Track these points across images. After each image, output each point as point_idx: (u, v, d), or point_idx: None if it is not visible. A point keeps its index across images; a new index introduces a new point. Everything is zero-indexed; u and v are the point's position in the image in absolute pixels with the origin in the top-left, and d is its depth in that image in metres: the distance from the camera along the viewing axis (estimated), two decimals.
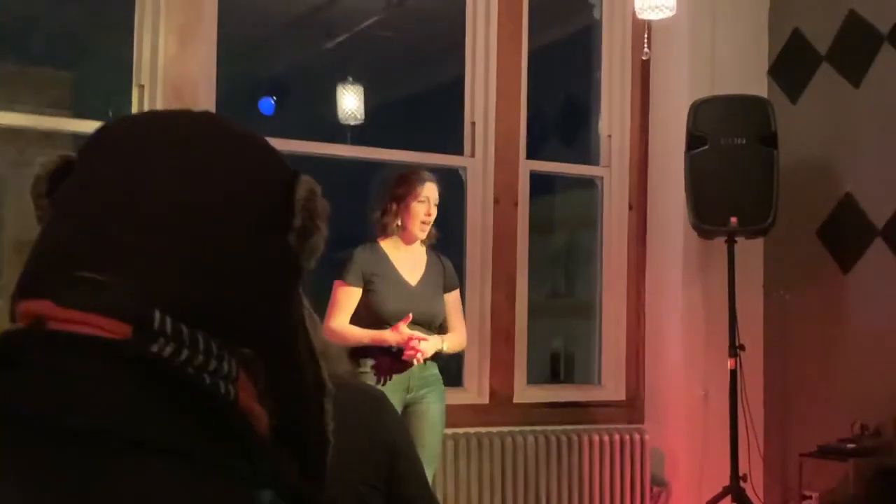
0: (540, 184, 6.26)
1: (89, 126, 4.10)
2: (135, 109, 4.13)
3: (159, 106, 4.10)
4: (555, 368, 7.15)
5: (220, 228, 0.72)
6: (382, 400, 1.69)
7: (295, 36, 6.37)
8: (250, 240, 0.73)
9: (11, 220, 5.36)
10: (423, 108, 6.80)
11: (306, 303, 0.83)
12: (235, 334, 0.71)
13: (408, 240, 3.81)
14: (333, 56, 6.32)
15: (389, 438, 1.63)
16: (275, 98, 6.84)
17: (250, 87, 6.76)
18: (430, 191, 3.78)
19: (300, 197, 0.75)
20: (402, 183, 3.80)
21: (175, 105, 4.03)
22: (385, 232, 3.80)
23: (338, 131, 6.23)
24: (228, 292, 0.71)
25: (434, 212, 3.79)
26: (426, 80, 6.85)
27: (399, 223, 3.78)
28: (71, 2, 5.09)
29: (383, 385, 3.60)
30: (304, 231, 0.75)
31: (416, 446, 1.77)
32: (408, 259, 3.82)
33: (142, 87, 4.13)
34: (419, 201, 3.75)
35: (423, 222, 3.76)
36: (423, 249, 3.88)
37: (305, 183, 0.76)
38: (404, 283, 3.77)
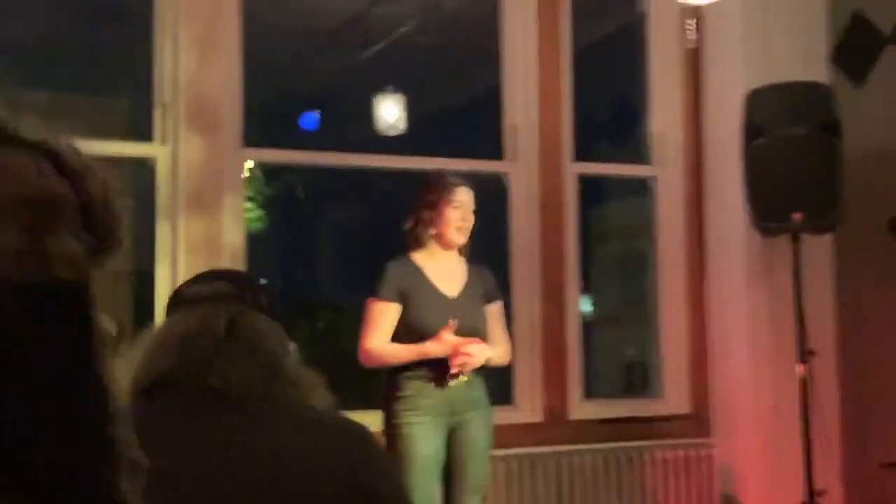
0: (600, 192, 6.01)
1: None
2: (157, 128, 3.97)
3: (182, 124, 3.94)
4: (630, 379, 6.88)
5: None
6: (364, 436, 1.45)
7: (331, 48, 6.20)
8: None
9: None
10: (466, 116, 6.58)
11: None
12: None
13: (445, 246, 3.54)
14: (371, 66, 6.13)
15: (370, 482, 1.40)
16: (318, 112, 6.68)
17: (290, 103, 6.62)
18: (463, 195, 3.53)
19: None
20: (433, 189, 3.55)
21: (197, 122, 3.87)
22: (419, 243, 3.55)
23: (380, 143, 6.04)
24: None
25: (471, 217, 3.54)
26: (470, 88, 6.63)
27: (433, 232, 3.53)
28: (94, 24, 4.97)
29: (444, 389, 3.35)
30: None
31: (406, 488, 1.53)
32: (445, 270, 3.56)
33: (164, 104, 3.97)
34: (454, 207, 3.51)
35: (460, 228, 3.52)
36: (461, 260, 3.62)
37: None
38: (443, 296, 3.51)
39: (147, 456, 1.35)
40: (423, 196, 3.54)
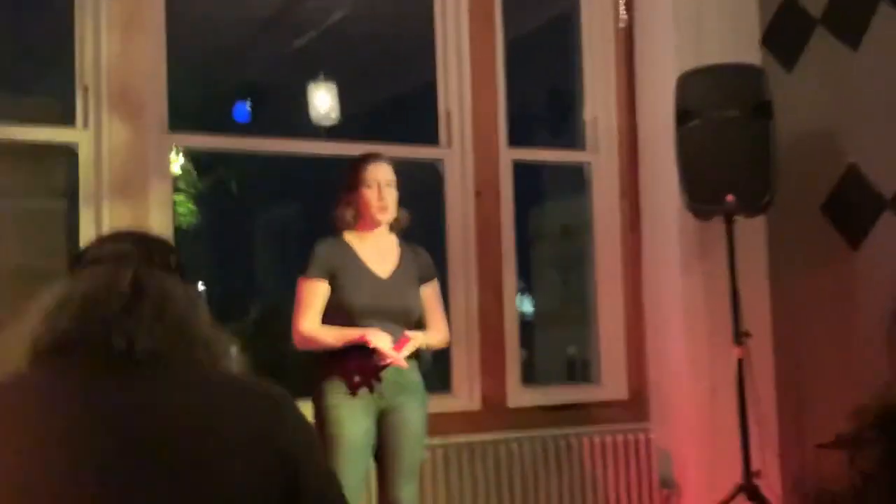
0: (538, 193, 5.99)
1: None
2: (79, 113, 3.85)
3: (104, 108, 3.82)
4: (571, 376, 6.89)
5: None
6: (281, 399, 1.38)
7: (263, 38, 6.10)
8: None
9: None
10: (400, 107, 6.52)
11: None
12: None
13: (367, 227, 3.47)
14: (304, 56, 6.05)
15: (288, 445, 1.33)
16: (250, 103, 6.57)
17: (221, 95, 6.50)
18: (376, 172, 3.43)
19: None
20: (351, 171, 3.48)
21: (121, 106, 3.76)
22: (347, 224, 3.48)
23: (315, 134, 5.95)
24: None
25: (388, 194, 3.44)
26: (403, 79, 6.57)
27: (354, 213, 3.46)
28: (14, 9, 4.81)
29: (353, 395, 3.28)
30: None
31: (322, 453, 1.46)
32: (376, 250, 3.48)
33: (86, 88, 3.85)
34: (367, 186, 3.43)
35: (378, 207, 3.43)
36: (394, 240, 3.55)
37: None
38: (373, 275, 3.44)
39: (47, 420, 1.28)
40: (345, 178, 3.48)
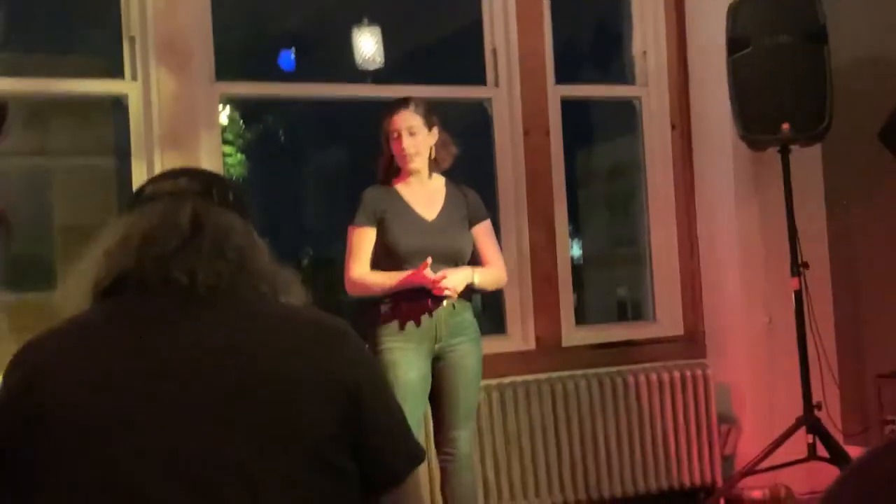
0: (588, 134, 5.91)
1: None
2: (127, 64, 3.86)
3: (151, 59, 3.82)
4: (623, 318, 6.86)
5: None
6: (344, 332, 1.38)
7: None
8: None
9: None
10: (445, 49, 6.45)
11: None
12: None
13: (405, 177, 3.46)
14: (346, 0, 5.99)
15: (350, 378, 1.32)
16: (294, 51, 6.54)
17: (264, 44, 6.47)
18: (396, 122, 3.39)
19: None
20: (382, 121, 3.46)
21: (167, 57, 3.76)
22: (387, 176, 3.47)
23: (359, 79, 5.91)
24: None
25: (408, 143, 3.38)
26: (448, 20, 6.49)
27: (389, 164, 3.45)
28: None
29: (417, 325, 3.29)
30: None
31: (388, 386, 1.45)
32: (423, 194, 3.47)
33: (132, 39, 3.85)
34: (393, 139, 3.40)
35: (404, 157, 3.40)
36: (441, 181, 3.53)
37: None
38: (420, 219, 3.42)
39: (109, 357, 1.29)
40: (381, 129, 3.46)
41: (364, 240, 3.38)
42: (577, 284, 4.75)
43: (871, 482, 0.70)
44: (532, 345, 4.39)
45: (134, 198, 1.44)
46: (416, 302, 3.31)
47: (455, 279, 3.31)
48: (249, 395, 1.26)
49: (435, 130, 3.45)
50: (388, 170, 3.47)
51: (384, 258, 3.38)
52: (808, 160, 4.37)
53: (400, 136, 3.39)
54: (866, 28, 4.40)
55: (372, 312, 3.35)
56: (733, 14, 4.11)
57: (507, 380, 4.20)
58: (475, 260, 3.50)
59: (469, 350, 3.42)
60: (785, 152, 4.09)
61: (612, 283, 6.81)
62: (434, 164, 3.49)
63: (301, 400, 1.28)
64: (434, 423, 3.47)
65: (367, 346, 3.33)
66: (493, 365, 4.05)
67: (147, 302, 1.33)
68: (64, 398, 1.24)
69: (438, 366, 3.38)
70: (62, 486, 1.21)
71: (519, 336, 4.39)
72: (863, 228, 4.45)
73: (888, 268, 4.35)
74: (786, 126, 4.00)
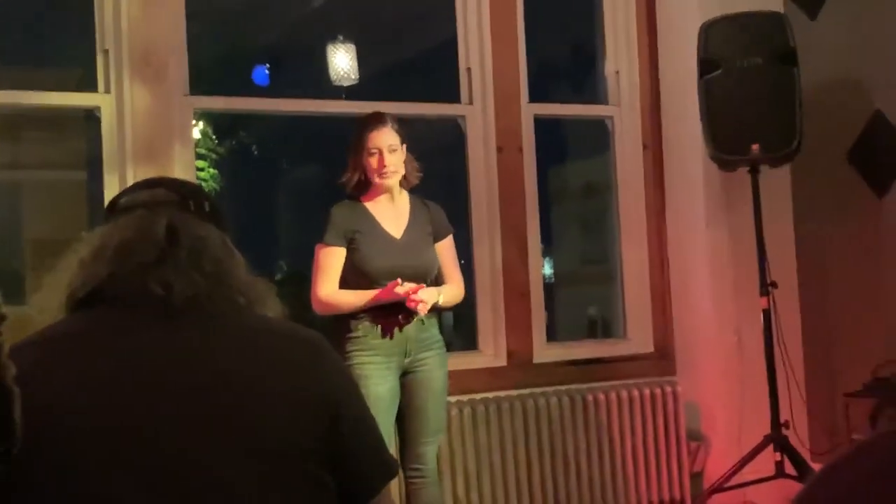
0: (560, 153, 5.94)
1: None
2: (101, 77, 3.85)
3: (125, 71, 3.82)
4: (593, 337, 6.88)
5: None
6: (320, 345, 1.38)
7: (280, 0, 6.07)
8: None
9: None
10: (420, 67, 6.48)
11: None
12: None
13: (375, 192, 3.46)
14: (321, 17, 6.02)
15: (327, 391, 1.33)
16: (268, 66, 6.56)
17: (240, 58, 6.48)
18: (377, 139, 3.37)
19: None
20: (354, 135, 3.43)
21: (142, 70, 3.75)
22: (356, 190, 3.45)
23: (333, 96, 5.94)
24: None
25: (390, 160, 3.37)
26: (422, 38, 6.53)
27: (360, 178, 3.42)
28: None
29: (391, 338, 3.30)
30: None
31: (364, 400, 1.46)
32: (391, 210, 3.47)
33: (106, 52, 3.85)
34: (370, 154, 3.38)
35: (380, 173, 3.39)
36: (406, 197, 3.53)
37: None
38: (389, 237, 3.43)
39: (85, 367, 1.29)
40: (351, 143, 3.44)
41: (334, 259, 3.37)
42: (549, 303, 4.76)
43: (837, 488, 0.72)
44: (504, 361, 4.41)
45: (109, 208, 1.43)
46: (388, 317, 3.32)
47: (426, 294, 3.32)
48: (226, 408, 1.26)
49: (404, 147, 3.47)
50: (357, 185, 3.45)
51: (353, 276, 3.38)
52: (777, 181, 4.42)
53: (381, 153, 3.38)
54: (836, 50, 4.47)
55: (343, 328, 3.35)
56: (705, 35, 4.17)
57: (478, 396, 4.20)
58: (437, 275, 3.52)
59: (437, 364, 3.43)
60: (755, 172, 4.13)
61: (583, 302, 6.84)
62: (404, 181, 3.50)
63: (278, 414, 1.28)
64: (400, 439, 3.46)
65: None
66: (464, 381, 4.07)
67: (122, 314, 1.33)
68: (38, 410, 1.24)
69: (406, 380, 3.39)
70: (36, 497, 1.20)
71: (491, 352, 4.41)
72: (831, 248, 4.51)
73: (856, 287, 4.41)
74: (755, 147, 4.04)
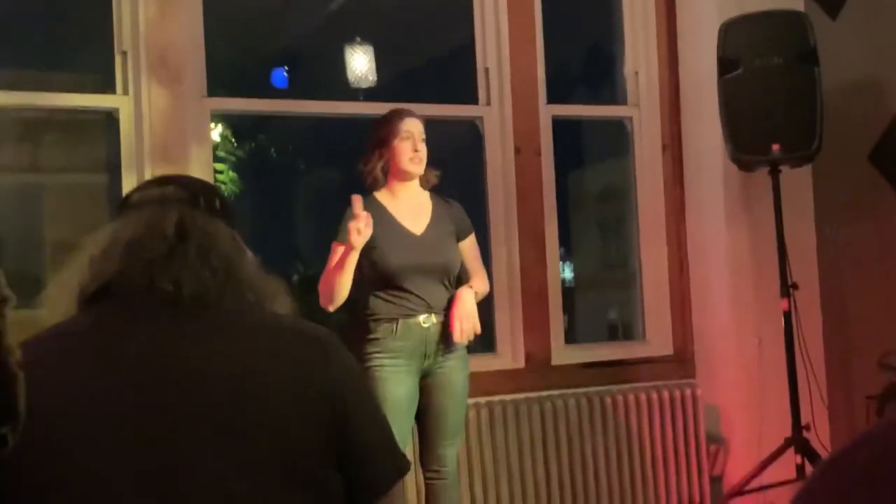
0: (578, 157, 5.91)
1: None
2: (118, 79, 3.86)
3: (143, 73, 3.82)
4: (613, 340, 6.85)
5: None
6: (328, 341, 1.37)
7: (298, 3, 6.07)
8: None
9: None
10: (438, 69, 6.47)
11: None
12: None
13: (403, 179, 3.43)
14: (339, 19, 6.01)
15: (335, 388, 1.31)
16: (287, 69, 6.56)
17: (262, 60, 6.50)
18: (411, 125, 3.41)
19: None
20: (381, 125, 3.44)
21: (160, 72, 3.76)
22: (378, 182, 3.44)
23: (351, 97, 5.93)
24: None
25: (422, 148, 3.41)
26: (440, 40, 6.52)
27: (385, 167, 3.41)
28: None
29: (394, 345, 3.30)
30: None
31: (373, 396, 1.45)
32: (409, 206, 3.46)
33: (124, 53, 3.86)
34: (403, 138, 3.39)
35: (412, 158, 3.40)
36: (426, 195, 3.52)
37: None
38: (408, 233, 3.41)
39: (89, 365, 1.28)
40: (374, 134, 3.44)
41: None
42: (569, 308, 4.74)
43: (846, 474, 0.70)
44: (522, 363, 4.38)
45: (120, 205, 1.43)
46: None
47: (469, 311, 3.33)
48: (231, 408, 1.25)
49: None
50: (376, 177, 3.43)
51: (372, 276, 3.35)
52: (798, 181, 4.38)
53: (413, 137, 3.39)
54: (857, 50, 4.43)
55: (362, 328, 3.33)
56: (724, 35, 4.13)
57: (496, 398, 4.18)
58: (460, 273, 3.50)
59: (457, 367, 3.41)
60: (775, 173, 4.10)
61: (603, 307, 6.81)
62: (424, 181, 3.50)
63: (285, 414, 1.26)
64: (420, 440, 3.45)
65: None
66: (482, 383, 4.05)
67: (130, 310, 1.32)
68: (42, 408, 1.23)
69: (426, 383, 3.37)
70: (35, 497, 1.19)
71: (509, 354, 4.39)
72: (852, 249, 4.46)
73: (877, 289, 4.36)
74: (776, 147, 4.01)
